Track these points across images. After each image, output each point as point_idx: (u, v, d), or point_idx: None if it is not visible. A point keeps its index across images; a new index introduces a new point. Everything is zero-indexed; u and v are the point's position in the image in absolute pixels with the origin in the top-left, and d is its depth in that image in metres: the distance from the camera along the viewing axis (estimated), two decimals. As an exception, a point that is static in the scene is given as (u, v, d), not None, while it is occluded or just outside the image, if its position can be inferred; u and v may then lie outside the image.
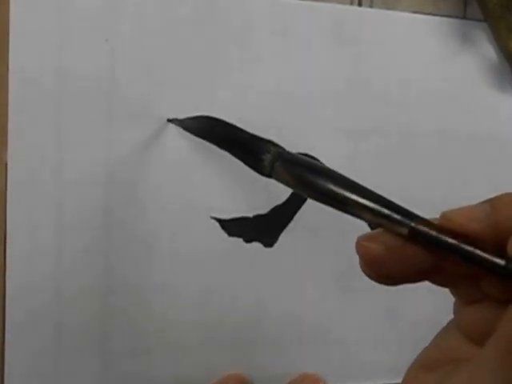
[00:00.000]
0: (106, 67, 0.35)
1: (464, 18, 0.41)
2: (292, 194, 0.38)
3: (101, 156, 0.35)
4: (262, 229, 0.38)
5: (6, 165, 0.34)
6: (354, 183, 0.22)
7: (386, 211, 0.20)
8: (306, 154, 0.38)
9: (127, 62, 0.35)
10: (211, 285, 0.37)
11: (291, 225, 0.38)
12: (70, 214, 0.35)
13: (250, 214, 0.38)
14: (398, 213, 0.20)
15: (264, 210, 0.38)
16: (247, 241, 0.38)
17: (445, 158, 0.41)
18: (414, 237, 0.19)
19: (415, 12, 0.40)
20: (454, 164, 0.41)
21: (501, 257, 0.18)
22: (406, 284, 0.21)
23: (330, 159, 0.39)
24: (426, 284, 0.40)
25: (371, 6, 0.39)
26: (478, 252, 0.18)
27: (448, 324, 0.22)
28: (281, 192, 0.38)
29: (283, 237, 0.38)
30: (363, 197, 0.21)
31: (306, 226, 0.39)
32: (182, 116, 0.36)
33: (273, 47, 0.38)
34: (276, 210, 0.38)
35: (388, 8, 0.40)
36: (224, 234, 0.37)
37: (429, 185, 0.41)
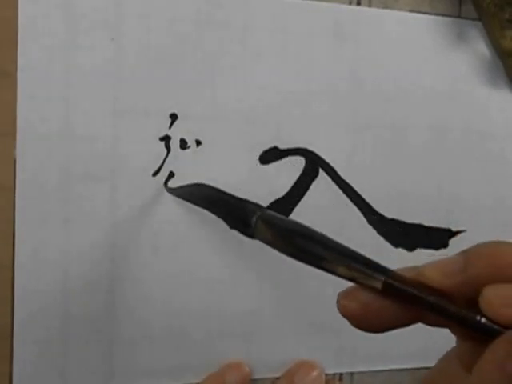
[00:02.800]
0: (112, 65, 0.36)
1: (459, 16, 0.42)
2: (290, 191, 0.39)
3: (107, 150, 0.36)
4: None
5: (15, 161, 0.34)
6: (330, 241, 0.22)
7: (359, 267, 0.20)
8: (305, 149, 0.39)
9: (132, 60, 0.36)
10: (213, 275, 0.38)
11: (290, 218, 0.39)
12: (77, 209, 0.35)
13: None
14: (371, 268, 0.20)
15: (264, 204, 0.39)
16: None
17: (439, 153, 0.42)
18: (388, 291, 0.20)
19: (412, 11, 0.41)
20: (448, 159, 0.42)
21: (474, 310, 0.19)
22: (395, 330, 0.21)
23: (328, 154, 0.40)
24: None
25: (369, 6, 0.40)
26: (451, 307, 0.19)
27: (450, 350, 0.23)
28: (281, 188, 0.39)
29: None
30: (338, 253, 0.21)
31: (305, 219, 0.39)
32: (183, 111, 0.37)
33: (273, 46, 0.38)
34: (276, 204, 0.39)
35: (386, 7, 0.40)
36: (226, 226, 0.38)
37: (424, 179, 0.42)
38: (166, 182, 0.37)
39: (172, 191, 0.36)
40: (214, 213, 0.30)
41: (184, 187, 0.36)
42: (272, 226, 0.24)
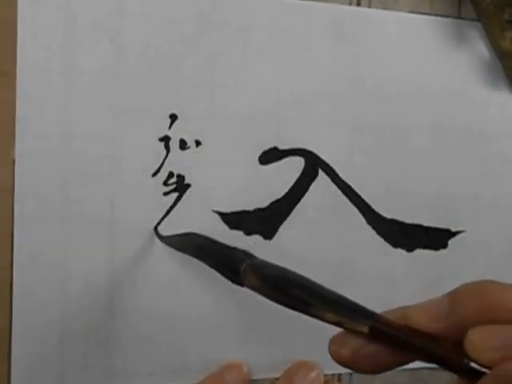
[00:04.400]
0: (112, 66, 0.36)
1: (458, 17, 0.42)
2: (290, 191, 0.39)
3: (106, 151, 0.36)
4: (261, 222, 0.39)
5: (14, 161, 0.34)
6: (316, 287, 0.22)
7: (346, 312, 0.21)
8: (304, 150, 0.39)
9: (132, 60, 0.36)
10: (212, 276, 0.38)
11: (290, 218, 0.39)
12: (76, 210, 0.35)
13: (250, 208, 0.38)
14: (358, 313, 0.21)
15: (263, 204, 0.39)
16: (247, 233, 0.39)
17: (438, 153, 0.42)
18: (376, 335, 0.20)
19: (411, 12, 0.41)
20: (448, 159, 0.42)
21: (461, 353, 0.19)
22: (391, 370, 0.21)
23: (328, 154, 0.40)
24: (421, 274, 0.41)
25: (369, 6, 0.40)
26: (438, 351, 0.19)
27: (450, 381, 0.23)
28: (281, 189, 0.39)
29: (282, 229, 0.39)
30: (324, 300, 0.21)
31: (304, 219, 0.39)
32: (183, 112, 0.37)
33: (273, 46, 0.38)
34: (275, 204, 0.39)
35: (386, 8, 0.40)
36: (225, 227, 0.38)
37: (423, 180, 0.42)
38: (156, 228, 0.37)
39: (163, 240, 0.36)
40: (204, 262, 0.31)
41: (175, 236, 0.36)
42: (260, 274, 0.25)
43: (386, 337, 0.20)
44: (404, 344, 0.20)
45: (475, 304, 0.19)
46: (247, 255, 0.27)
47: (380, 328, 0.20)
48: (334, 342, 0.21)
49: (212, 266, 0.30)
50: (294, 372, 0.40)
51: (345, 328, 0.21)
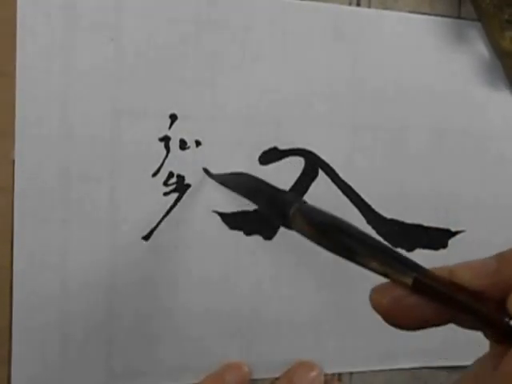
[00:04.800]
0: (111, 65, 0.36)
1: (458, 17, 0.42)
2: (291, 189, 0.39)
3: (106, 151, 0.36)
4: (261, 222, 0.39)
5: (14, 162, 0.34)
6: (364, 235, 0.22)
7: (391, 262, 0.21)
8: (304, 150, 0.39)
9: (132, 60, 0.36)
10: (213, 275, 0.38)
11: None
12: (76, 210, 0.35)
13: (250, 208, 0.38)
14: (403, 264, 0.21)
15: (263, 204, 0.39)
16: (247, 233, 0.39)
17: (438, 153, 0.42)
18: (419, 288, 0.20)
19: (411, 12, 0.41)
20: (447, 159, 0.42)
21: (504, 312, 0.19)
22: (428, 328, 0.21)
23: (328, 154, 0.40)
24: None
25: (369, 6, 0.40)
26: (480, 308, 0.19)
27: (483, 355, 0.23)
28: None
29: (282, 229, 0.39)
30: (371, 248, 0.21)
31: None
32: (183, 112, 0.37)
33: (272, 46, 0.38)
34: (275, 204, 0.39)
35: (385, 8, 0.40)
36: (225, 227, 0.38)
37: (423, 179, 0.42)
38: (206, 169, 0.37)
39: (214, 177, 0.37)
40: (253, 202, 0.31)
41: (226, 175, 0.37)
42: (308, 219, 0.25)
43: (428, 290, 0.20)
44: (446, 298, 0.19)
45: None
46: (297, 199, 0.27)
47: (424, 280, 0.20)
48: (376, 290, 0.21)
49: (262, 207, 0.30)
50: (293, 372, 0.40)
51: (389, 278, 0.21)
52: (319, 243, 0.24)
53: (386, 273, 0.21)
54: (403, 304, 0.20)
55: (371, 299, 0.21)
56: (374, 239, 0.22)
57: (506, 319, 0.19)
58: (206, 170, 0.37)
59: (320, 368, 0.40)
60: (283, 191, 0.30)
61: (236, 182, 0.36)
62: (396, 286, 0.21)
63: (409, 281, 0.20)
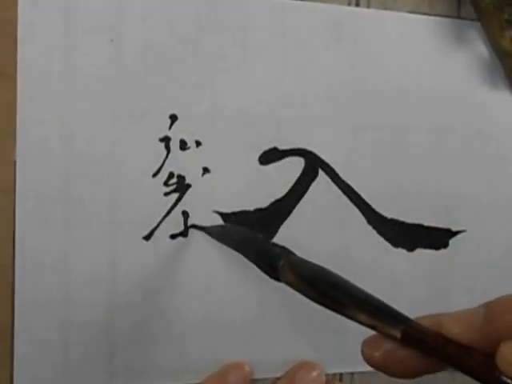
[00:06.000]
0: (112, 67, 0.36)
1: (458, 17, 0.42)
2: (290, 190, 0.39)
3: (106, 151, 0.36)
4: (261, 222, 0.39)
5: (15, 163, 0.34)
6: (352, 288, 0.23)
7: (379, 315, 0.21)
8: (304, 150, 0.39)
9: (132, 61, 0.36)
10: (213, 275, 0.38)
11: (290, 218, 0.39)
12: (77, 211, 0.36)
13: (251, 208, 0.39)
14: (391, 317, 0.21)
15: (264, 204, 0.39)
16: (248, 234, 0.39)
17: (439, 153, 0.42)
18: (408, 340, 0.20)
19: (411, 12, 0.41)
20: (448, 159, 0.42)
21: (493, 365, 0.18)
22: (422, 376, 0.21)
23: (328, 154, 0.40)
24: (422, 273, 0.41)
25: (368, 6, 0.40)
26: (469, 361, 0.19)
27: None
28: (281, 189, 0.39)
29: (282, 230, 0.39)
30: (359, 301, 0.22)
31: (305, 219, 0.39)
32: (183, 112, 0.37)
33: (272, 46, 0.38)
34: (275, 204, 0.39)
35: (385, 8, 0.40)
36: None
37: (424, 179, 0.42)
38: (195, 225, 0.37)
39: (203, 229, 0.37)
40: (244, 255, 0.31)
41: (214, 227, 0.37)
42: (296, 272, 0.25)
43: (417, 342, 0.20)
44: (435, 351, 0.20)
45: (511, 317, 0.19)
46: (286, 252, 0.27)
47: (412, 333, 0.20)
48: (366, 344, 0.21)
49: (251, 260, 0.30)
50: (295, 372, 0.40)
51: (378, 331, 0.21)
52: (308, 296, 0.24)
53: (374, 325, 0.21)
54: (395, 356, 0.21)
55: (363, 353, 0.21)
56: (362, 291, 0.22)
57: (497, 374, 0.18)
58: (195, 226, 0.37)
59: (321, 368, 0.40)
60: (272, 243, 0.30)
61: (226, 234, 0.36)
62: (385, 338, 0.21)
63: (397, 333, 0.20)
